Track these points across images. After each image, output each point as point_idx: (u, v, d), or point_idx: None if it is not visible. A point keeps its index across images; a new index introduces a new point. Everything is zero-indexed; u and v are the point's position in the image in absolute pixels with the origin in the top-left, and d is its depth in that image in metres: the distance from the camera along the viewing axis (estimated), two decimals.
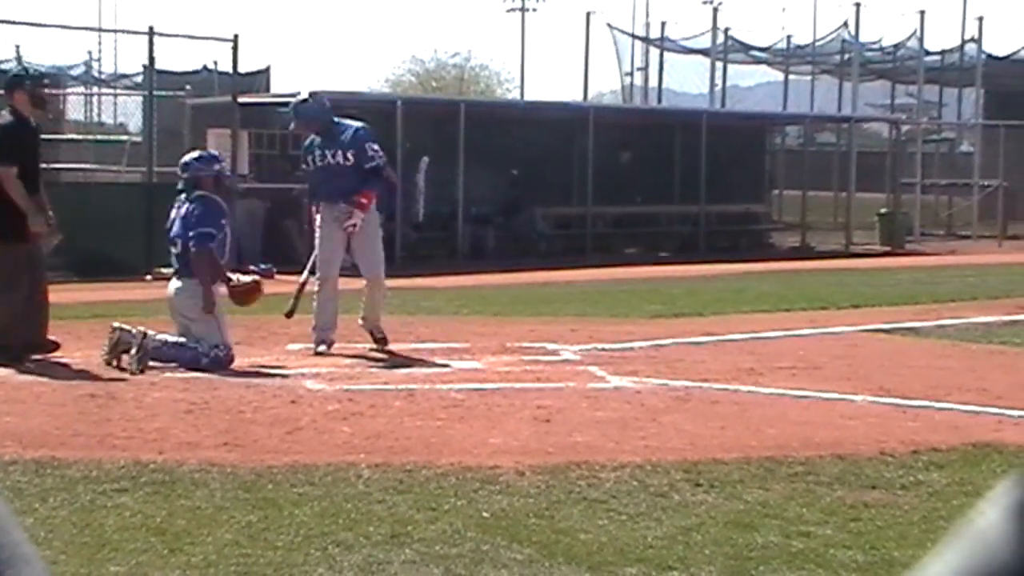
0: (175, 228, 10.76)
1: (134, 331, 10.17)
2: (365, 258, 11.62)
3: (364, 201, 11.43)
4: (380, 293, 11.68)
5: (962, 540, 0.80)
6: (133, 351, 10.07)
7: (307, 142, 11.88)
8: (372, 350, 11.43)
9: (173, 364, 10.22)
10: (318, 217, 11.66)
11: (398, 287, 16.37)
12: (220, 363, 10.29)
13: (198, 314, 10.44)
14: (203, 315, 10.42)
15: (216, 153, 11.49)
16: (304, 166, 12.05)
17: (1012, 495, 0.80)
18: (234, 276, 10.89)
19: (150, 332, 10.26)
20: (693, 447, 7.67)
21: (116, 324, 10.35)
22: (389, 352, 11.34)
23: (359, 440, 7.75)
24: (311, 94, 11.95)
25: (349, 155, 11.46)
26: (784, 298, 16.91)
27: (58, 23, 30.80)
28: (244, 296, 10.96)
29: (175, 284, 10.76)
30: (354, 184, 11.40)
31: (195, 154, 11.49)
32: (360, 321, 11.59)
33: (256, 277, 11.08)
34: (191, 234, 10.57)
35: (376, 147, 11.65)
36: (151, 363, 10.08)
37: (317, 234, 11.68)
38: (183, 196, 10.85)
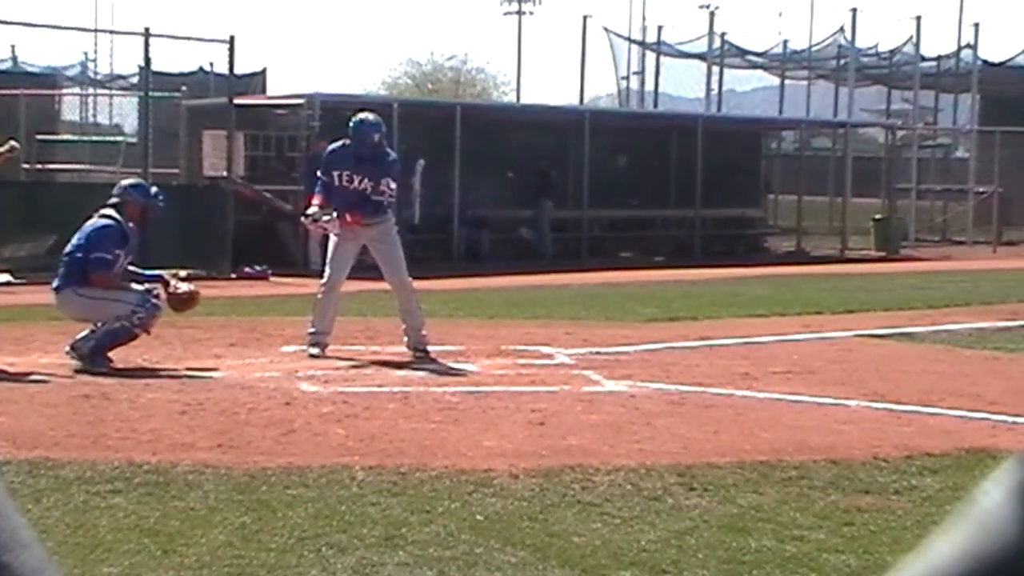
0: (75, 238, 10.85)
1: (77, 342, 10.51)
2: (387, 263, 11.61)
3: (349, 220, 11.44)
4: (410, 297, 11.63)
5: (966, 520, 0.80)
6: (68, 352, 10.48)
7: (335, 148, 11.84)
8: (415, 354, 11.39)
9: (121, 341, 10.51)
10: (336, 223, 11.65)
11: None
12: (151, 314, 10.51)
13: (93, 310, 10.55)
14: (98, 309, 10.50)
15: (156, 191, 11.26)
16: (322, 175, 11.79)
17: (1016, 475, 0.80)
18: (173, 281, 10.93)
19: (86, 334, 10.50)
20: (687, 451, 7.68)
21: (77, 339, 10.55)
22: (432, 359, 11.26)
23: (353, 442, 7.75)
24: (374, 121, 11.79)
25: (368, 184, 11.45)
26: (779, 302, 16.92)
27: (54, 23, 30.80)
28: (181, 304, 10.99)
29: (54, 298, 10.88)
30: (363, 203, 11.43)
31: (135, 182, 11.46)
32: (403, 339, 11.48)
33: (192, 287, 11.03)
34: (90, 257, 10.63)
35: (394, 185, 11.65)
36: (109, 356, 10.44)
37: (332, 240, 11.69)
38: (103, 211, 10.89)
